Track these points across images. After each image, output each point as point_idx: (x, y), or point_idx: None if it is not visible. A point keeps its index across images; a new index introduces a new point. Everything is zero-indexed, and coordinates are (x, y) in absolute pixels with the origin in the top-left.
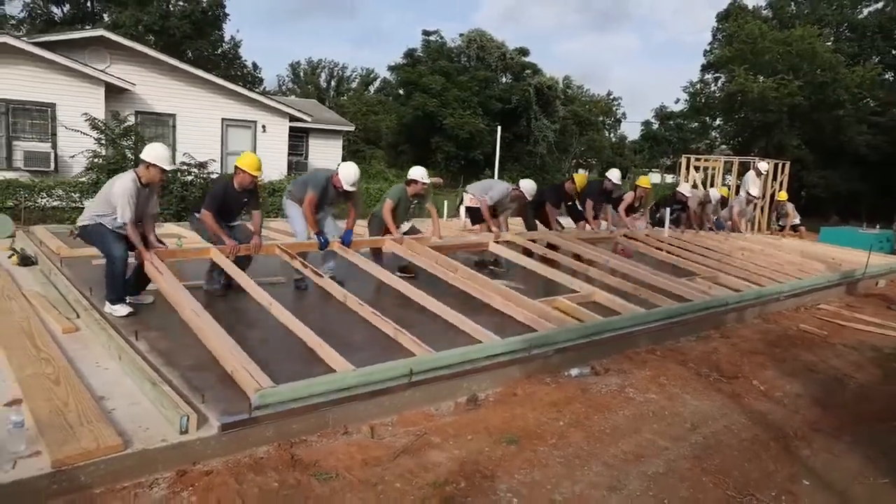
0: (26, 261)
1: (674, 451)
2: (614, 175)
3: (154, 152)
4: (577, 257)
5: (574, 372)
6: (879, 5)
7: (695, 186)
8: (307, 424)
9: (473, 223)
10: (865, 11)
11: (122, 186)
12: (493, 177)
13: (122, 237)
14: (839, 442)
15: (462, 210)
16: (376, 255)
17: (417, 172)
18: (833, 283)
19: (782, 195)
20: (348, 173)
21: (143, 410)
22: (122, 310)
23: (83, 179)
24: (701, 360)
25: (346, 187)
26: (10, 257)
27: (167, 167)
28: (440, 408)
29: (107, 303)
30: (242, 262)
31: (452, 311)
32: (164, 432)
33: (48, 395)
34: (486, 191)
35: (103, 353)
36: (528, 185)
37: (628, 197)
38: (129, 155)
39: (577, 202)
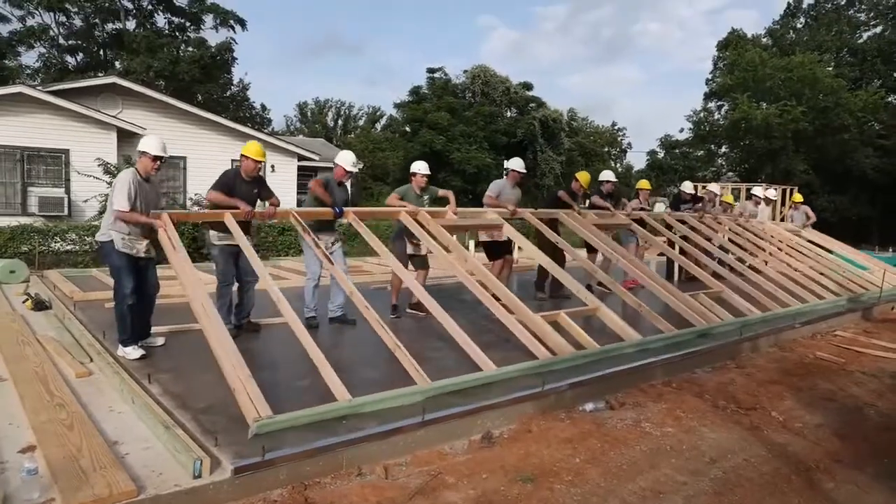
0: (40, 305)
1: (693, 486)
2: (610, 175)
3: (144, 141)
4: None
5: (589, 407)
6: (878, 30)
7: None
8: (320, 466)
9: (491, 259)
10: (865, 36)
11: (120, 178)
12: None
13: (131, 268)
14: (863, 474)
15: (471, 245)
16: (399, 239)
17: (416, 165)
18: (848, 309)
19: (797, 197)
20: (346, 156)
21: (157, 454)
22: (133, 353)
23: (96, 223)
24: (717, 392)
25: (350, 168)
26: (24, 302)
27: (154, 153)
28: (454, 446)
29: (119, 345)
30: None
31: (465, 336)
32: (178, 477)
33: (62, 440)
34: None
35: (117, 397)
36: (515, 162)
37: (633, 203)
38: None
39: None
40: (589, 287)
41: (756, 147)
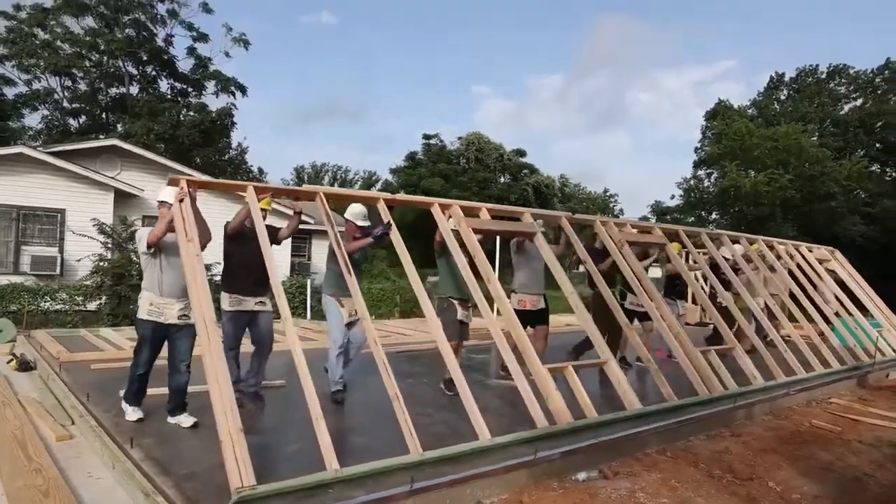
0: (25, 366)
1: None
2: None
3: (164, 192)
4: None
5: (582, 476)
6: (858, 102)
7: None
8: None
9: (525, 327)
10: (846, 108)
11: (142, 230)
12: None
13: (156, 338)
14: None
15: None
16: (448, 309)
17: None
18: (843, 376)
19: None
20: (355, 210)
21: None
22: (132, 413)
23: (87, 283)
24: (713, 461)
25: (360, 222)
26: (8, 362)
27: (163, 199)
28: None
29: (122, 400)
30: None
31: (472, 402)
32: None
33: None
34: (521, 279)
35: (97, 461)
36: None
37: (669, 267)
38: (135, 258)
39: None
40: (623, 361)
41: (746, 214)
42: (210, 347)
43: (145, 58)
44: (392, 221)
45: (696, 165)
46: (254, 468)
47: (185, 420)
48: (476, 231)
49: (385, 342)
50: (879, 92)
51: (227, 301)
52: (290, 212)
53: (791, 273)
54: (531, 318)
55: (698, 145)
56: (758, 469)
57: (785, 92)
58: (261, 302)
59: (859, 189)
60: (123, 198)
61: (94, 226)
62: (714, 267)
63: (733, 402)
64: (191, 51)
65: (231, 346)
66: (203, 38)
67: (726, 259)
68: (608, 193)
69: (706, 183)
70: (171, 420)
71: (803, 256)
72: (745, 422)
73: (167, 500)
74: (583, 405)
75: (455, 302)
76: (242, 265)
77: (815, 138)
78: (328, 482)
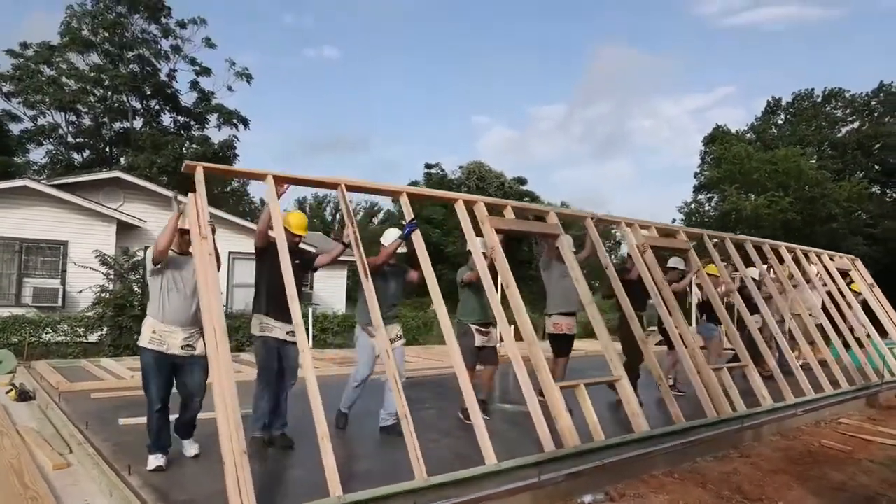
0: (24, 396)
1: None
2: (678, 263)
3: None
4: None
5: (588, 499)
6: (856, 125)
7: None
8: None
9: (557, 355)
10: (844, 130)
11: (151, 248)
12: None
13: (161, 369)
14: None
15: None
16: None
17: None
18: (852, 396)
19: (855, 286)
20: (391, 236)
21: None
22: (152, 461)
23: (89, 314)
24: (721, 482)
25: (396, 240)
26: (7, 392)
27: (182, 226)
28: None
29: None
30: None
31: (483, 426)
32: None
33: None
34: (556, 300)
35: (95, 489)
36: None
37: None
38: (136, 289)
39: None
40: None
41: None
42: (218, 361)
43: (149, 92)
44: (416, 219)
45: (697, 190)
46: (255, 494)
47: (189, 448)
48: (499, 231)
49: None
50: (876, 114)
51: (256, 326)
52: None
53: (824, 287)
54: (567, 344)
55: (698, 170)
56: (767, 490)
57: (782, 116)
58: (291, 332)
59: (860, 210)
60: (126, 229)
61: (96, 257)
62: (741, 289)
63: (741, 423)
64: (194, 85)
65: (269, 379)
66: (206, 72)
67: (754, 280)
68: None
69: (707, 207)
70: (173, 434)
71: (826, 269)
72: (754, 443)
73: None
74: (591, 427)
75: (474, 328)
76: (272, 286)
77: (813, 161)
78: None
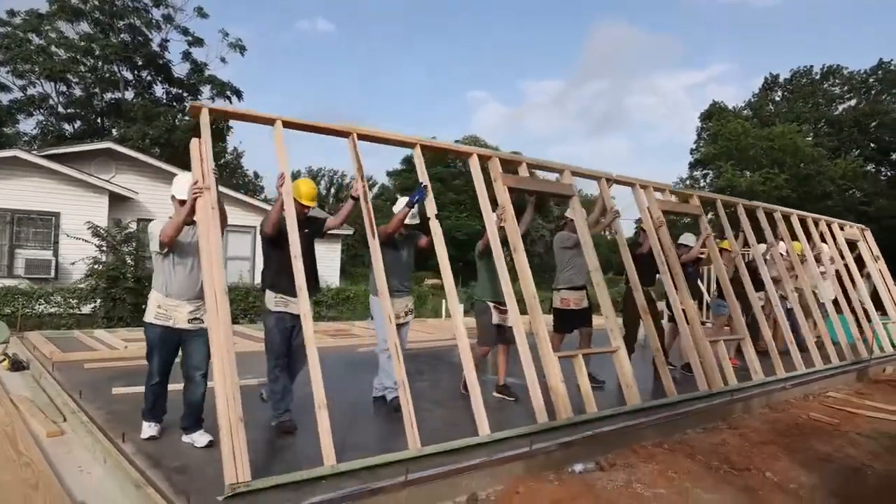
0: (17, 366)
1: None
2: (689, 240)
3: (174, 186)
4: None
5: (578, 468)
6: (853, 102)
7: None
8: None
9: (557, 330)
10: (840, 108)
11: (155, 224)
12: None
13: (165, 344)
14: None
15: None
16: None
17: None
18: (840, 370)
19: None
20: (401, 201)
21: None
22: (146, 430)
23: (82, 286)
24: (710, 453)
25: (408, 220)
26: (1, 362)
27: (180, 196)
28: None
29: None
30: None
31: (480, 397)
32: None
33: (24, 500)
34: (567, 270)
35: (88, 456)
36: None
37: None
38: (129, 261)
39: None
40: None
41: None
42: (219, 323)
43: (140, 63)
44: (429, 185)
45: (692, 166)
46: (250, 462)
47: (200, 438)
48: (512, 190)
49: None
50: (873, 92)
51: (272, 300)
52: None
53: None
54: (576, 319)
55: (694, 146)
56: (755, 460)
57: (780, 93)
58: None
59: (855, 189)
60: (118, 201)
61: (88, 229)
62: (749, 263)
63: (731, 396)
64: (186, 55)
65: (280, 359)
66: (198, 42)
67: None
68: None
69: (702, 183)
70: (184, 439)
71: (835, 240)
72: (743, 415)
73: (158, 492)
74: (584, 398)
75: (491, 305)
76: (285, 263)
77: (810, 138)
78: (324, 477)
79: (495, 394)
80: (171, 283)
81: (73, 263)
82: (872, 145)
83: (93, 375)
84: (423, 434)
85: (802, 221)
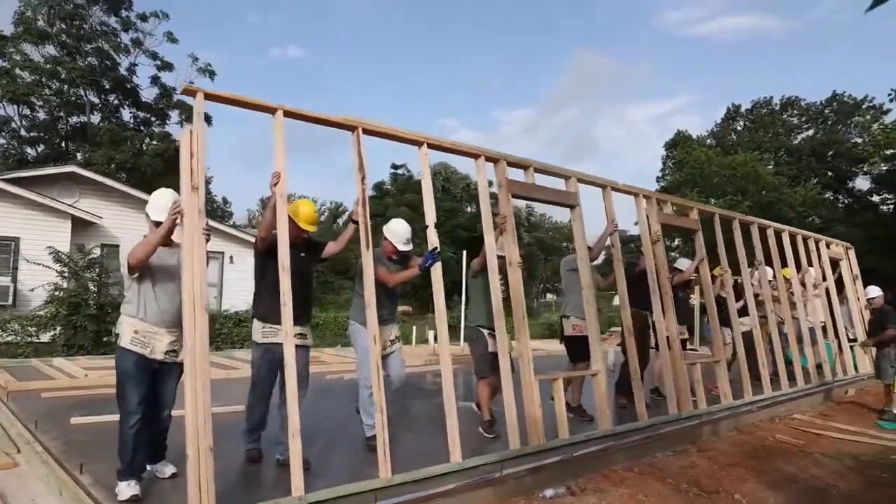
0: None
1: None
2: (685, 264)
3: (150, 204)
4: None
5: (549, 493)
6: (810, 132)
7: None
8: None
9: (576, 360)
10: (799, 138)
11: (126, 243)
12: (460, 302)
13: (142, 375)
14: None
15: (430, 336)
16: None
17: (391, 229)
18: (805, 393)
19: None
20: (397, 229)
21: None
22: (125, 490)
23: (41, 313)
24: (679, 476)
25: (401, 247)
26: None
27: (154, 217)
28: None
29: (117, 477)
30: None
31: (456, 425)
32: None
33: None
34: (575, 300)
35: (42, 488)
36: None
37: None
38: (92, 287)
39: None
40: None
41: (708, 239)
42: (195, 337)
43: (108, 86)
44: (439, 248)
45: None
46: (217, 491)
47: (164, 469)
48: (515, 196)
49: (351, 367)
50: (829, 123)
51: (259, 331)
52: (250, 238)
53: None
54: (583, 348)
55: (660, 174)
56: (724, 482)
57: (741, 123)
58: (301, 335)
59: (814, 215)
60: (82, 225)
61: (49, 254)
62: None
63: (699, 419)
64: (155, 80)
65: (263, 393)
66: (168, 67)
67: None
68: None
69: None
70: (148, 468)
71: (820, 257)
72: (712, 438)
73: None
74: (558, 423)
75: (485, 332)
76: (274, 287)
77: (770, 166)
78: None
79: (481, 430)
80: (150, 308)
81: (32, 290)
82: (830, 174)
83: (50, 405)
84: (395, 461)
85: (793, 238)
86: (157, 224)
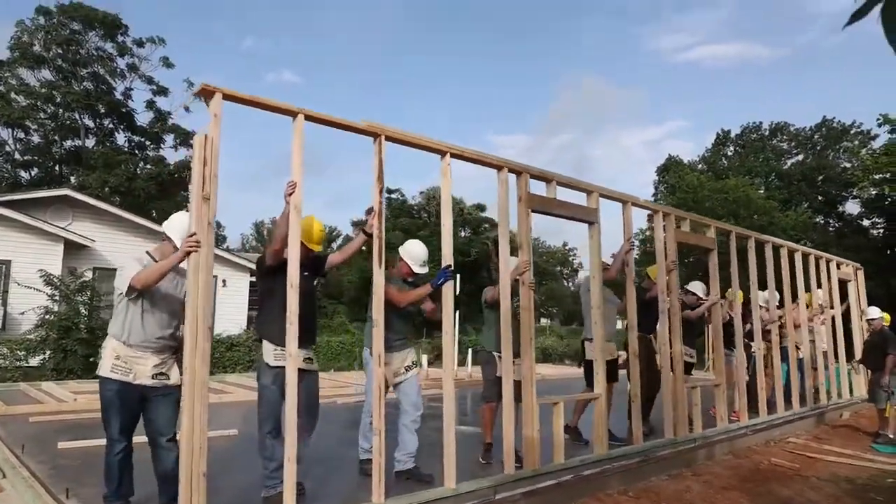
0: None
1: None
2: (698, 288)
3: (170, 223)
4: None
5: None
6: (800, 157)
7: None
8: None
9: (590, 384)
10: (789, 163)
11: (127, 259)
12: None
13: (124, 402)
14: None
15: (424, 360)
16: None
17: (410, 251)
18: (799, 416)
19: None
20: (418, 251)
21: None
22: None
23: (31, 337)
24: (674, 499)
25: (417, 269)
26: None
27: (173, 238)
28: None
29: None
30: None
31: (453, 451)
32: None
33: None
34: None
35: None
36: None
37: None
38: (83, 311)
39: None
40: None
41: (702, 262)
42: (196, 357)
43: (103, 110)
44: (451, 267)
45: (652, 218)
46: None
47: None
48: (534, 211)
49: (344, 392)
50: (818, 148)
51: (271, 353)
52: (243, 262)
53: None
54: (610, 371)
55: (652, 199)
56: None
57: (731, 148)
58: (309, 359)
59: (805, 239)
60: (74, 249)
61: (40, 277)
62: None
63: (694, 442)
64: (150, 104)
65: (275, 426)
66: (163, 91)
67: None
68: (567, 247)
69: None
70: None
71: (829, 278)
72: (707, 461)
73: None
74: (555, 447)
75: (497, 356)
76: (285, 306)
77: (761, 191)
78: None
79: (481, 459)
80: (134, 329)
81: (22, 313)
82: (820, 198)
83: (38, 429)
84: (389, 486)
85: (805, 258)
86: (175, 247)
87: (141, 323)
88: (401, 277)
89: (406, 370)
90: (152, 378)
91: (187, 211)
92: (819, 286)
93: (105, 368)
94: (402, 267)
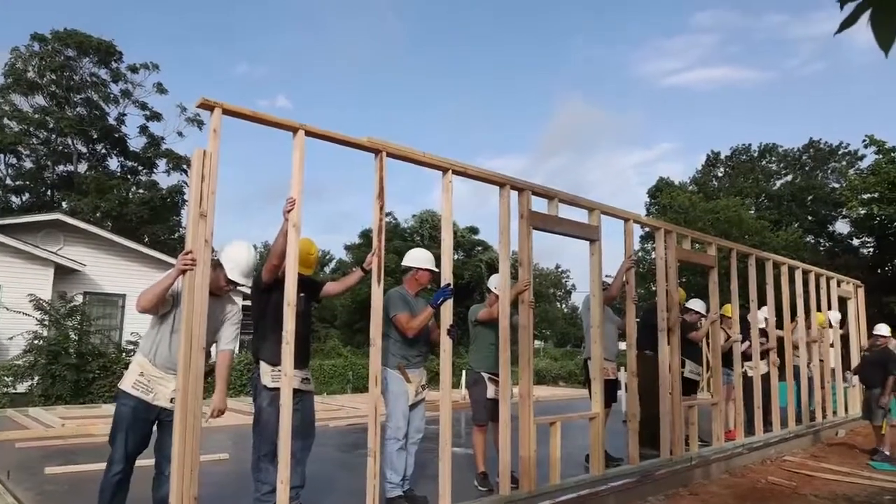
0: None
1: None
2: (697, 305)
3: (224, 252)
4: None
5: None
6: (789, 178)
7: None
8: None
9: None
10: (778, 183)
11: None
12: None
13: (138, 423)
14: None
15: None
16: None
17: (417, 257)
18: (796, 435)
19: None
20: (423, 254)
21: None
22: None
23: (19, 362)
24: None
25: (434, 267)
26: None
27: (234, 277)
28: None
29: None
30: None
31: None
32: None
33: None
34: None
35: None
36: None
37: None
38: (73, 336)
39: None
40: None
41: (694, 283)
42: (189, 377)
43: (96, 136)
44: (451, 285)
45: (644, 239)
46: None
47: None
48: (535, 228)
49: (336, 415)
50: (807, 168)
51: (268, 374)
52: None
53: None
54: (609, 391)
55: None
56: None
57: (721, 169)
58: (306, 379)
59: (796, 258)
60: (65, 273)
61: (30, 301)
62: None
63: (690, 462)
64: (143, 129)
65: (272, 448)
66: (156, 117)
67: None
68: (560, 269)
69: (653, 255)
70: None
71: (829, 295)
72: (703, 480)
73: None
74: (551, 468)
75: (486, 377)
76: (282, 327)
77: (752, 211)
78: None
79: (476, 484)
80: (161, 350)
81: (10, 338)
82: (810, 217)
83: (25, 455)
84: None
85: (805, 275)
86: (230, 281)
87: (168, 343)
88: (420, 286)
89: (422, 388)
90: (171, 402)
91: (243, 241)
92: (819, 307)
93: (127, 383)
94: (420, 277)
